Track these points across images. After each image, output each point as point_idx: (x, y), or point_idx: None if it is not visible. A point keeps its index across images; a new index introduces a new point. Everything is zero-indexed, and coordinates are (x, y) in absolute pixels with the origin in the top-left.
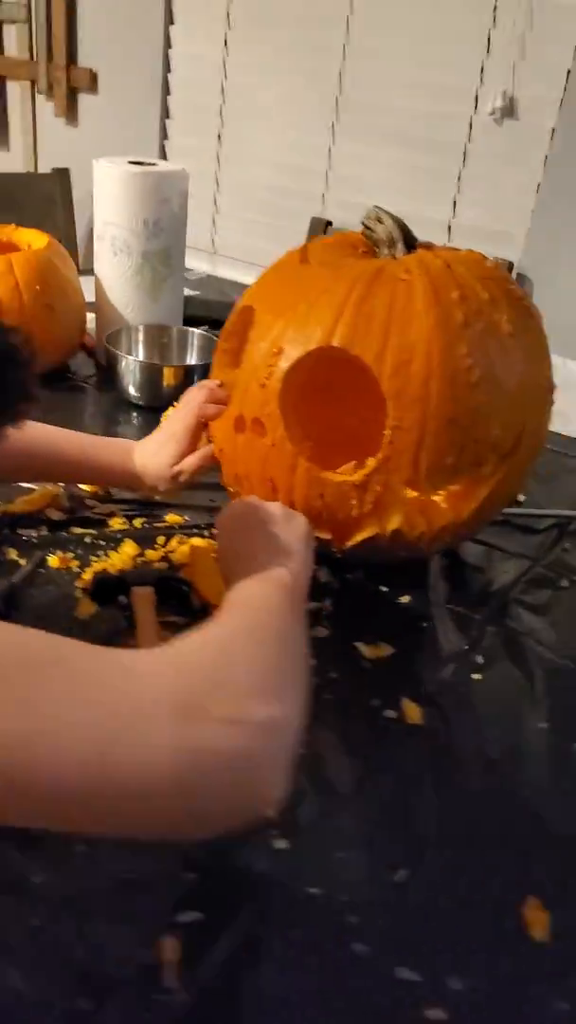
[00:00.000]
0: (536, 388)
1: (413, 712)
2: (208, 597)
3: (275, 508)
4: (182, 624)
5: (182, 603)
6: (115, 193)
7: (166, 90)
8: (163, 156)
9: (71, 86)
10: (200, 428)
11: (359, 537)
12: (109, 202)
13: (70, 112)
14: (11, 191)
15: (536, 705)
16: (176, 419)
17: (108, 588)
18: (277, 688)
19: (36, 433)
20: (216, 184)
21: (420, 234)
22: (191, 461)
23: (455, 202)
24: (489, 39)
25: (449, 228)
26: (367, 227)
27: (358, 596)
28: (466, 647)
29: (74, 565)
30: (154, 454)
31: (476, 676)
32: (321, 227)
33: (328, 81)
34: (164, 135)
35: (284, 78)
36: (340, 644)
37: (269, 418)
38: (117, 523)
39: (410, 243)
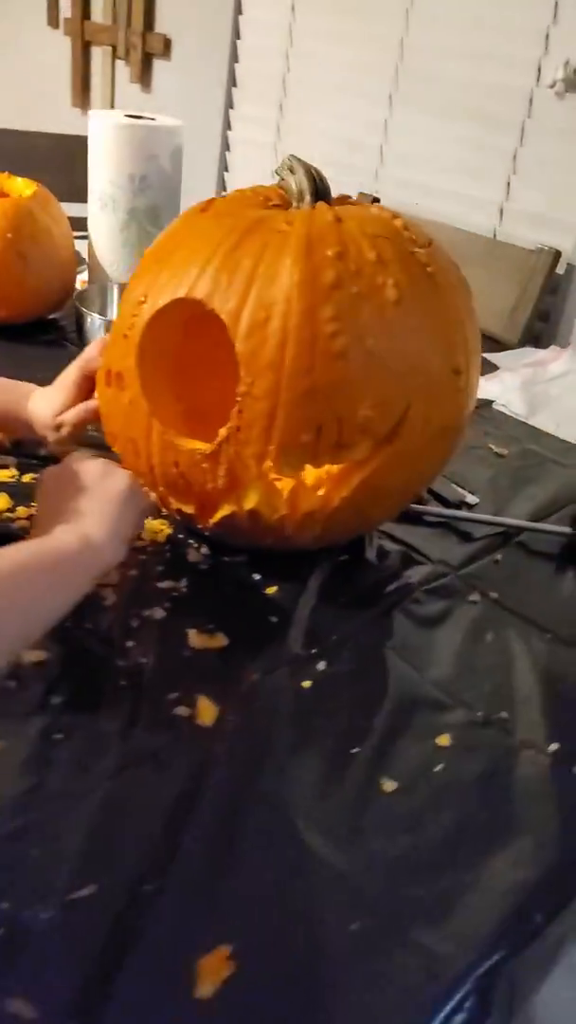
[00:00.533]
0: (427, 367)
1: (207, 712)
2: None
3: (92, 467)
4: None
5: None
6: (104, 146)
7: (234, 57)
8: (227, 125)
9: (146, 52)
10: (88, 380)
11: (218, 515)
12: (99, 155)
13: (144, 77)
14: (72, 151)
15: (354, 730)
16: (69, 369)
17: None
18: None
19: None
20: (275, 155)
21: (469, 215)
22: (72, 413)
23: (509, 183)
24: (556, 3)
25: (501, 212)
26: (280, 177)
27: (221, 581)
28: (312, 652)
29: None
30: (44, 401)
31: (305, 684)
32: (367, 203)
33: (389, 49)
34: (230, 103)
35: (347, 46)
36: (171, 628)
37: (128, 372)
38: (4, 475)
39: (322, 196)
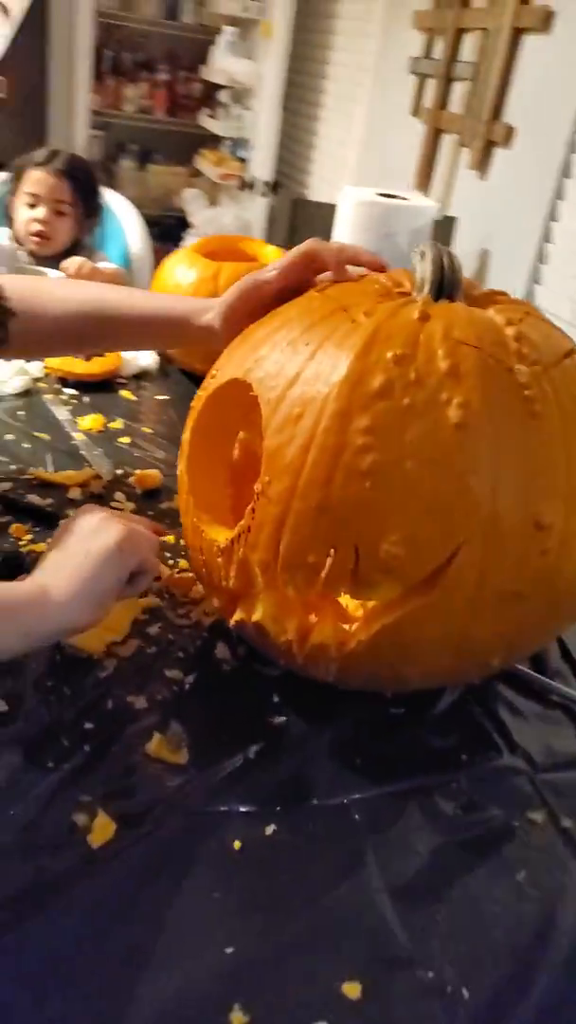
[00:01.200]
0: (491, 512)
1: (101, 831)
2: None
3: (88, 520)
4: None
5: None
6: (346, 220)
7: (572, 147)
8: (551, 216)
9: (489, 140)
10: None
11: (233, 618)
12: (342, 229)
13: (482, 164)
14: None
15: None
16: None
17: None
18: None
19: (90, 293)
20: None
21: None
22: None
23: None
24: None
25: None
26: (412, 263)
27: (232, 689)
28: (275, 808)
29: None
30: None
31: (236, 843)
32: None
33: None
34: (559, 193)
35: None
36: (138, 726)
37: (184, 443)
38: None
39: (449, 289)
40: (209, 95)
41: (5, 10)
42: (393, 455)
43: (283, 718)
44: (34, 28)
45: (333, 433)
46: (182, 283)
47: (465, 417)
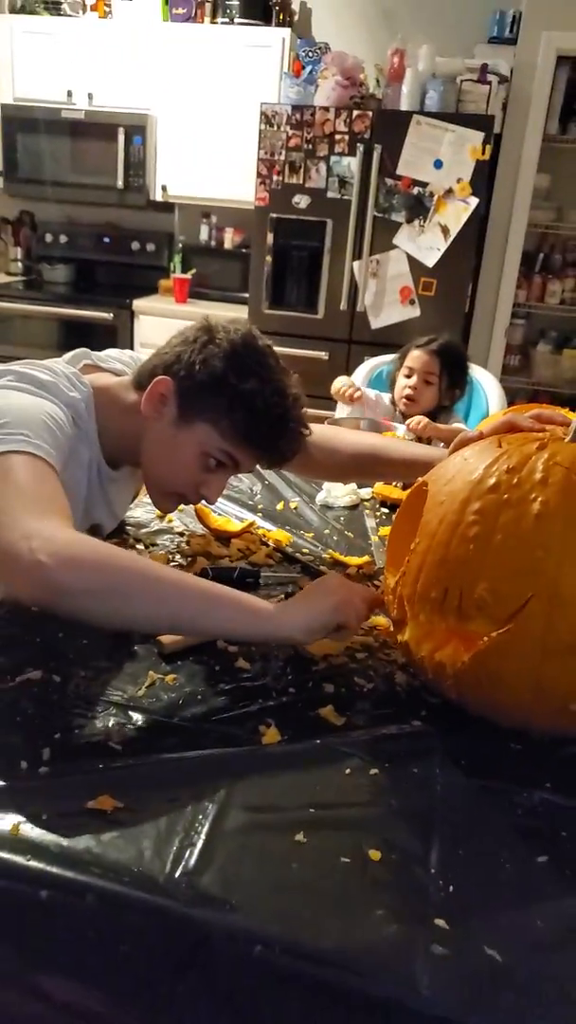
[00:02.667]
0: (554, 576)
1: (271, 736)
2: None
3: (330, 582)
4: None
5: None
6: None
7: None
8: None
9: None
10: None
11: (397, 639)
12: None
13: None
14: None
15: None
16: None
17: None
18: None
19: (330, 430)
20: None
21: None
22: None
23: None
24: None
25: None
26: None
27: (399, 694)
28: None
29: None
30: None
31: (372, 771)
32: None
33: None
34: None
35: None
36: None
37: (394, 525)
38: None
39: None
40: None
41: (445, 231)
42: (490, 529)
43: (422, 723)
44: (470, 236)
45: (456, 512)
46: None
47: (543, 510)
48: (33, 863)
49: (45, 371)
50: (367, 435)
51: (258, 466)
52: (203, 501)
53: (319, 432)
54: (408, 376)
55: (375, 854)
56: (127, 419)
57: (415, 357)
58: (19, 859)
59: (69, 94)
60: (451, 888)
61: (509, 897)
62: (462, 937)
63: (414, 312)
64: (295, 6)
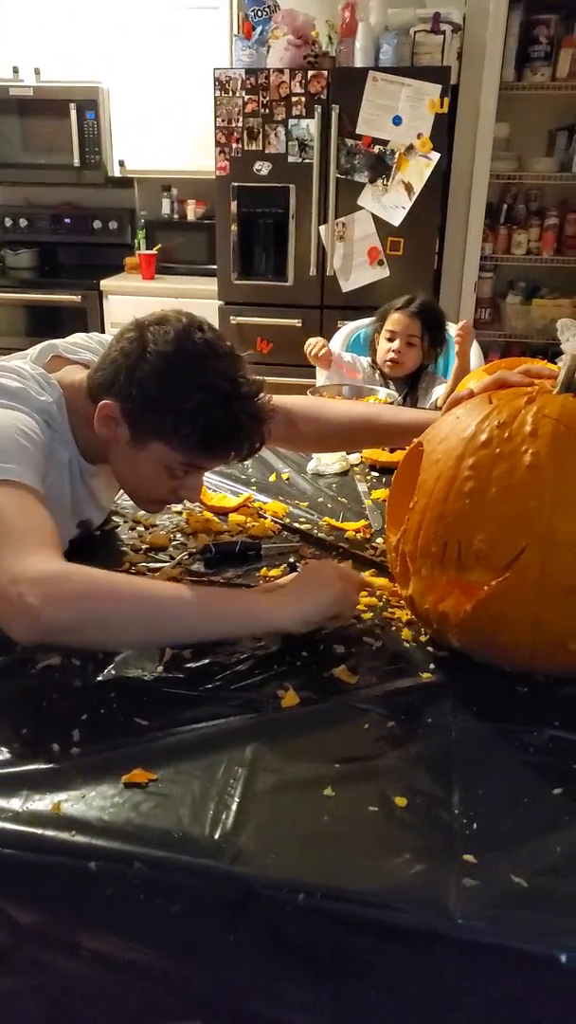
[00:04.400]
0: (546, 525)
1: (290, 698)
2: None
3: (327, 572)
4: None
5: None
6: None
7: None
8: None
9: None
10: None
11: (402, 593)
12: None
13: None
14: None
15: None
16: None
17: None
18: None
19: (317, 401)
20: None
21: None
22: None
23: None
24: None
25: None
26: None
27: (406, 650)
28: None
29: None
30: None
31: (389, 724)
32: None
33: None
34: None
35: None
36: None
37: (392, 486)
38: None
39: (573, 388)
40: None
41: (409, 188)
42: (484, 483)
43: (431, 675)
44: (434, 191)
45: (451, 468)
46: None
47: (534, 461)
48: (79, 838)
49: (13, 377)
50: (356, 404)
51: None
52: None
53: (304, 404)
54: (390, 339)
55: (400, 800)
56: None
57: (396, 320)
58: (65, 835)
59: (15, 70)
60: (474, 825)
61: (528, 828)
62: (489, 868)
63: (383, 273)
64: None
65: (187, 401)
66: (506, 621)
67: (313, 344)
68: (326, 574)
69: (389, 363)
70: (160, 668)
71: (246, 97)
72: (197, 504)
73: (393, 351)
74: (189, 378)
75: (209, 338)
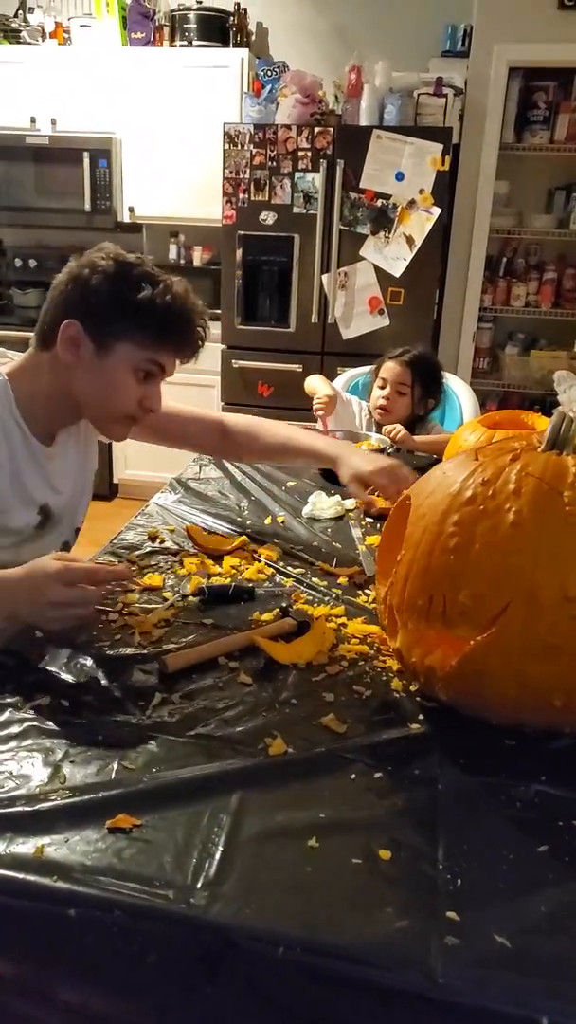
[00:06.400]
0: (529, 583)
1: (277, 746)
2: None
3: (48, 560)
4: None
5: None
6: None
7: None
8: None
9: None
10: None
11: (390, 646)
12: None
13: None
14: None
15: None
16: (392, 470)
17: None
18: None
19: (256, 421)
20: None
21: None
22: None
23: None
24: None
25: None
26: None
27: (399, 701)
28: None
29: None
30: (361, 463)
31: (376, 775)
32: None
33: None
34: None
35: None
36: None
37: (382, 537)
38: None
39: (558, 446)
40: None
41: (410, 241)
42: (468, 540)
43: (419, 726)
44: (435, 244)
45: (436, 524)
46: (464, 444)
47: (517, 519)
48: (60, 884)
49: None
50: (281, 426)
51: (179, 363)
52: (150, 412)
53: (239, 422)
54: (382, 387)
55: (385, 853)
56: (50, 380)
57: (388, 368)
58: (46, 880)
59: (32, 120)
60: (459, 881)
61: (513, 886)
62: (472, 927)
63: (383, 321)
64: (252, 27)
65: (140, 292)
66: (491, 676)
67: (318, 401)
68: (42, 567)
69: (379, 410)
70: (149, 711)
71: (254, 150)
72: (192, 545)
73: (383, 398)
74: (135, 276)
75: (139, 255)
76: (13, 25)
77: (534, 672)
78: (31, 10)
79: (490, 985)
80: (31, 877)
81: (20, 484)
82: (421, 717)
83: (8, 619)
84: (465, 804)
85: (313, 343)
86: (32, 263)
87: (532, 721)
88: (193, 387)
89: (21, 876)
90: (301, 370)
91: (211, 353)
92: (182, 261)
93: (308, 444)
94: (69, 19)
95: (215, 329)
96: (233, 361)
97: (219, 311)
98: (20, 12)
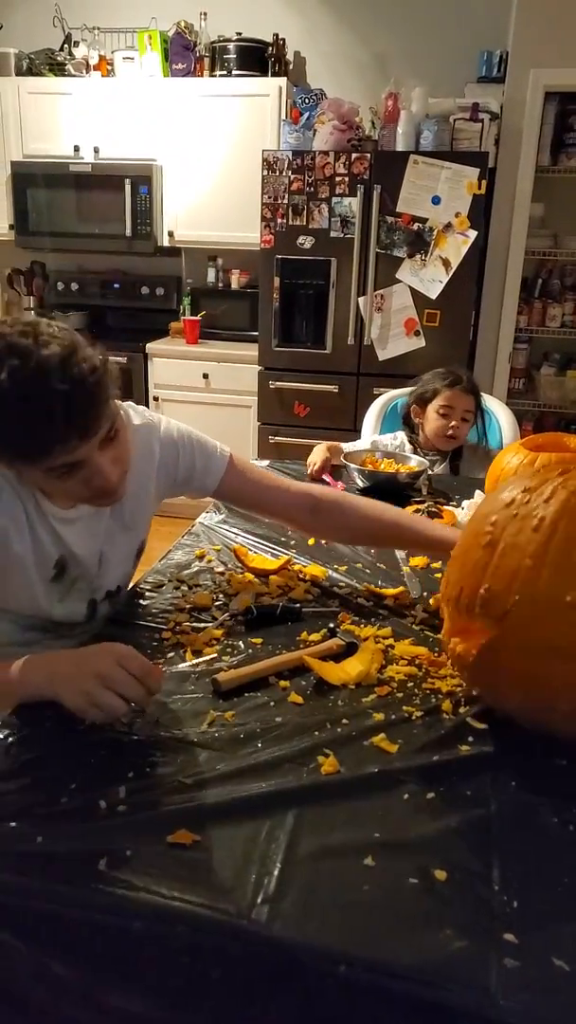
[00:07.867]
0: (535, 583)
1: (329, 764)
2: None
3: (102, 646)
4: None
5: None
6: None
7: None
8: None
9: None
10: None
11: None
12: None
13: None
14: None
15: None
16: None
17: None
18: None
19: (378, 507)
20: None
21: None
22: None
23: None
24: None
25: None
26: None
27: (448, 721)
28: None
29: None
30: None
31: (428, 795)
32: None
33: None
34: None
35: None
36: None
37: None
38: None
39: None
40: None
41: (446, 264)
42: (497, 539)
43: (470, 747)
44: (471, 266)
45: (479, 522)
46: (507, 467)
47: (539, 524)
48: (125, 894)
49: None
50: (387, 508)
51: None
52: (108, 489)
53: (331, 494)
54: (445, 415)
55: (440, 874)
56: None
57: (452, 397)
58: (112, 890)
59: (76, 149)
60: (515, 903)
61: (569, 908)
62: (530, 949)
63: (419, 343)
64: (290, 56)
65: None
66: (501, 671)
67: (311, 467)
68: (93, 662)
69: (447, 438)
70: (203, 729)
71: (292, 176)
72: (240, 565)
73: (452, 427)
74: None
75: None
76: (59, 59)
77: (539, 671)
78: (76, 44)
79: (550, 1007)
80: (97, 886)
81: (41, 541)
82: (471, 738)
83: (41, 685)
84: (518, 825)
85: (349, 364)
86: (74, 286)
87: (531, 722)
88: (229, 407)
89: (86, 888)
90: (337, 391)
91: (248, 374)
92: (220, 284)
93: (421, 529)
94: (113, 52)
95: (251, 351)
96: (270, 382)
97: (256, 333)
98: (66, 46)
